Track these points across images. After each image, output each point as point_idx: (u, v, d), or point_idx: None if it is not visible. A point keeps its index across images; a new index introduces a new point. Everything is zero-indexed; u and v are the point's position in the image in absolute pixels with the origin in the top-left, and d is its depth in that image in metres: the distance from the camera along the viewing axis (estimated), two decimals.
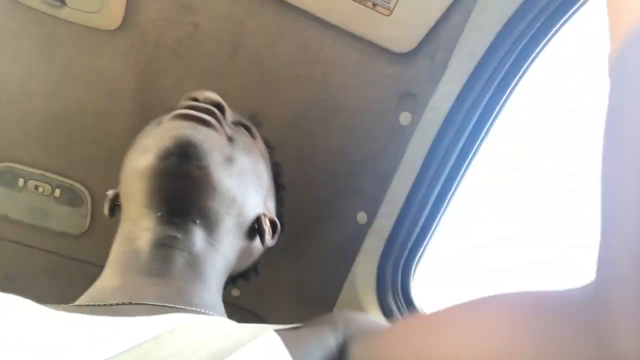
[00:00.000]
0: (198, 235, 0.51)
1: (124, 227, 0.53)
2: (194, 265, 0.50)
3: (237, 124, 0.63)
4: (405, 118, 0.74)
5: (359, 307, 0.85)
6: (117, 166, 0.87)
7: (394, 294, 0.85)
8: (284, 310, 1.01)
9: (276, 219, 0.64)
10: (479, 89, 0.65)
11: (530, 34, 0.61)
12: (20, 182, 0.87)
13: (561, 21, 0.60)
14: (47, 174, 0.87)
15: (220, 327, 0.41)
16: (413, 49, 0.70)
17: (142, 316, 0.39)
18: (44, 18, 0.71)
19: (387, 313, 0.82)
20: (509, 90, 0.66)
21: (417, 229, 0.80)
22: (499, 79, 0.64)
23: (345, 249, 0.89)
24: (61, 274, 0.99)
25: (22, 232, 0.94)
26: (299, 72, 0.75)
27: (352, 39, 0.71)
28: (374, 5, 0.66)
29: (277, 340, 0.42)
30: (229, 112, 0.59)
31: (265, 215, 0.60)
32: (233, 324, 0.44)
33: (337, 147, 0.81)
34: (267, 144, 0.71)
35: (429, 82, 0.71)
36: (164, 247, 0.49)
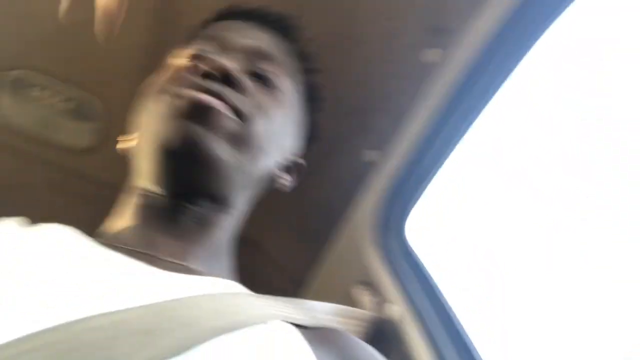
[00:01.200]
0: (208, 208, 0.53)
1: (138, 179, 0.54)
2: (204, 229, 0.52)
3: (250, 73, 0.58)
4: (432, 55, 0.71)
5: (354, 243, 0.87)
6: (133, 81, 0.86)
7: (391, 234, 0.86)
8: (281, 240, 1.03)
9: (301, 161, 0.65)
10: (520, 29, 0.60)
11: None
12: (35, 90, 0.85)
13: None
14: (63, 85, 0.85)
15: (235, 297, 0.43)
16: None
17: (163, 270, 0.42)
18: None
19: (381, 252, 0.84)
20: (550, 33, 0.61)
21: (424, 174, 0.81)
22: (544, 17, 0.59)
23: (348, 185, 0.90)
24: (68, 189, 0.99)
25: (31, 143, 0.93)
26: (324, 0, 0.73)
27: None
28: None
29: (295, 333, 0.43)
30: (239, 79, 0.53)
31: (285, 167, 0.62)
32: (247, 296, 0.45)
33: (356, 81, 0.80)
34: (303, 57, 0.68)
35: (463, 18, 0.67)
36: (174, 212, 0.51)
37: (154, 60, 0.82)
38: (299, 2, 0.74)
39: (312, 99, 0.70)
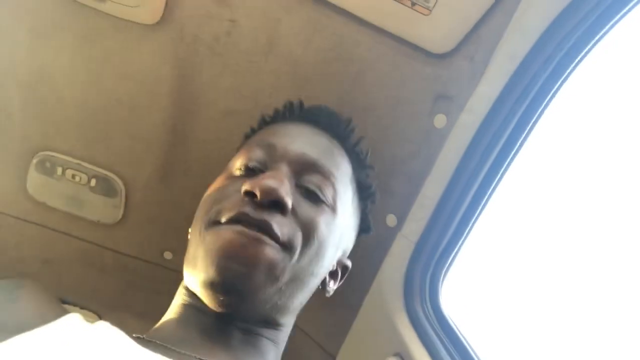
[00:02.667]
0: (259, 322, 0.54)
1: (192, 281, 0.54)
2: (254, 343, 0.53)
3: (299, 187, 0.60)
4: (440, 120, 0.72)
5: (385, 312, 0.84)
6: (152, 159, 0.90)
7: (422, 300, 0.83)
8: (308, 312, 1.00)
9: (347, 263, 0.66)
10: (519, 92, 0.63)
11: (575, 37, 0.59)
12: (59, 170, 0.89)
13: (609, 24, 0.57)
14: (84, 164, 0.89)
15: None
16: (451, 50, 0.68)
17: None
18: (86, 11, 0.73)
19: (413, 320, 0.80)
20: (550, 96, 0.64)
21: (448, 235, 0.78)
22: (540, 83, 0.62)
23: (372, 251, 0.87)
24: (94, 262, 1.02)
25: (59, 219, 0.97)
26: (333, 70, 0.75)
27: (389, 37, 0.70)
28: (413, 4, 0.65)
29: None
30: (289, 207, 0.55)
31: (330, 273, 0.63)
32: None
33: (369, 147, 0.80)
34: (355, 155, 0.70)
35: (466, 84, 0.69)
36: (224, 322, 0.52)
37: (173, 137, 0.86)
38: (307, 72, 0.76)
39: (365, 193, 0.72)
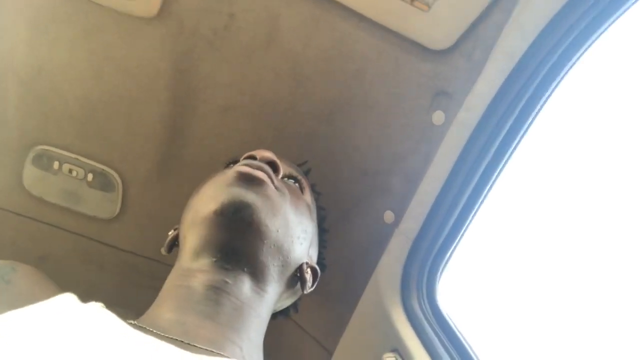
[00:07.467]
0: (246, 283, 0.56)
1: (181, 264, 0.59)
2: (240, 311, 0.55)
3: (287, 177, 0.70)
4: (438, 117, 0.72)
5: (382, 308, 0.84)
6: (149, 153, 0.90)
7: (419, 297, 0.83)
8: (305, 308, 1.01)
9: (317, 267, 0.69)
10: (517, 90, 0.63)
11: (573, 36, 0.59)
12: (56, 165, 0.89)
13: (607, 23, 0.58)
14: (81, 158, 0.89)
15: None
16: (450, 47, 0.68)
17: (199, 355, 0.44)
18: (85, 5, 0.73)
19: (411, 316, 0.81)
20: (547, 94, 0.64)
21: (446, 232, 0.78)
22: (537, 81, 0.62)
23: (370, 248, 0.88)
24: (91, 257, 1.02)
25: (55, 214, 0.97)
26: (333, 67, 0.75)
27: (388, 34, 0.70)
28: (412, 0, 0.65)
29: None
30: (281, 169, 0.65)
31: (307, 264, 0.65)
32: None
33: (367, 143, 0.80)
34: (314, 190, 0.77)
35: (464, 81, 0.69)
36: (215, 290, 0.54)
37: (171, 132, 0.86)
38: (307, 68, 0.76)
39: (321, 229, 0.78)
